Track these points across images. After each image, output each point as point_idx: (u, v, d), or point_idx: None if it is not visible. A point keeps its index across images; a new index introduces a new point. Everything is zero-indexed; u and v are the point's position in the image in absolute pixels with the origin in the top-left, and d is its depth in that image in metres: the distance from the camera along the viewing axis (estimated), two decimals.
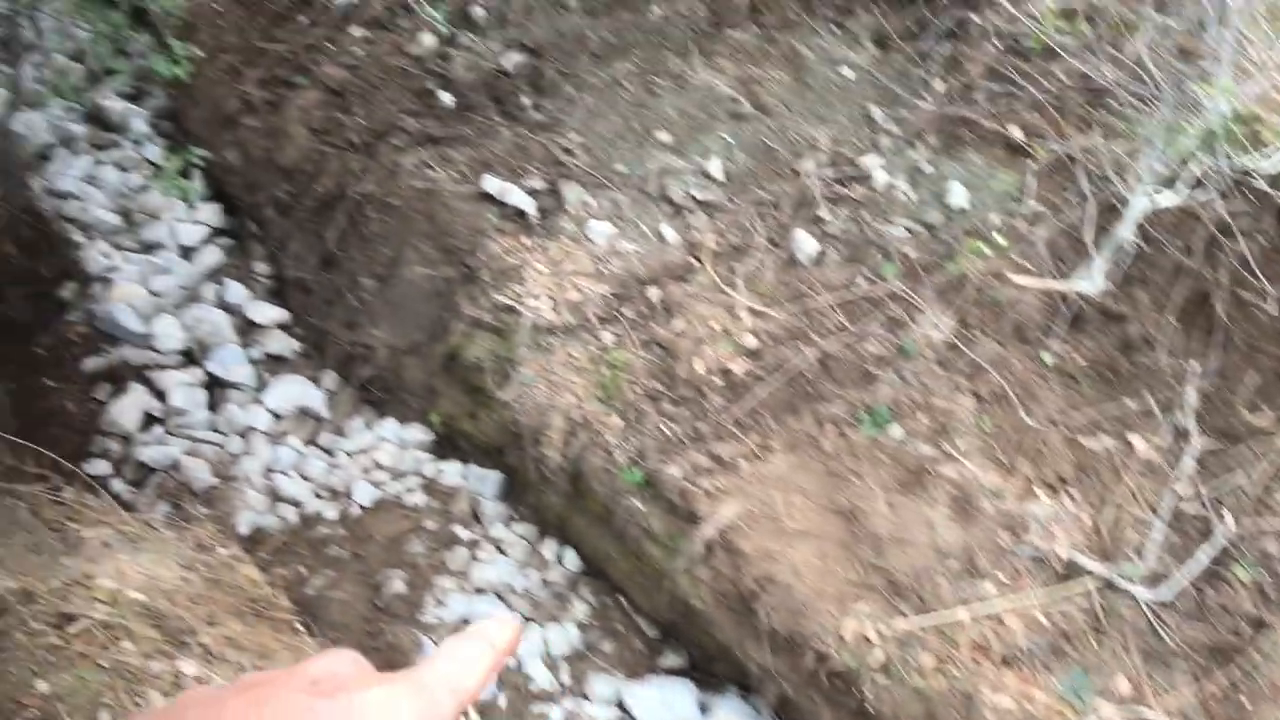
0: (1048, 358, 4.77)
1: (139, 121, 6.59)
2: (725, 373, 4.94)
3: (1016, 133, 5.13)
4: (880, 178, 5.32)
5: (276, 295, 6.17)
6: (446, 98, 6.01)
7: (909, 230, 5.18)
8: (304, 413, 5.74)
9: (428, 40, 6.15)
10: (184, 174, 5.53)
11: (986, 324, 4.86)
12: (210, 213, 6.31)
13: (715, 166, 5.54)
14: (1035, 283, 4.63)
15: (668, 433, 4.90)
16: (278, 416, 5.66)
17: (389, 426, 5.69)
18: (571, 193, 5.59)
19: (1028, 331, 4.83)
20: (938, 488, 4.56)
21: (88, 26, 3.97)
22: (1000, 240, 4.90)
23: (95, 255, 5.81)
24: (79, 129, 6.43)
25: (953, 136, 5.34)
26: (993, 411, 4.72)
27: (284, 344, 5.95)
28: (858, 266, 5.14)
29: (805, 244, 5.21)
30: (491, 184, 5.61)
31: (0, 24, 4.52)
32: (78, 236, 5.86)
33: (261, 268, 6.26)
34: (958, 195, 5.15)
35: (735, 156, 5.58)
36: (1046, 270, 4.81)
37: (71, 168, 6.17)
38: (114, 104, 6.59)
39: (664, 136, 5.67)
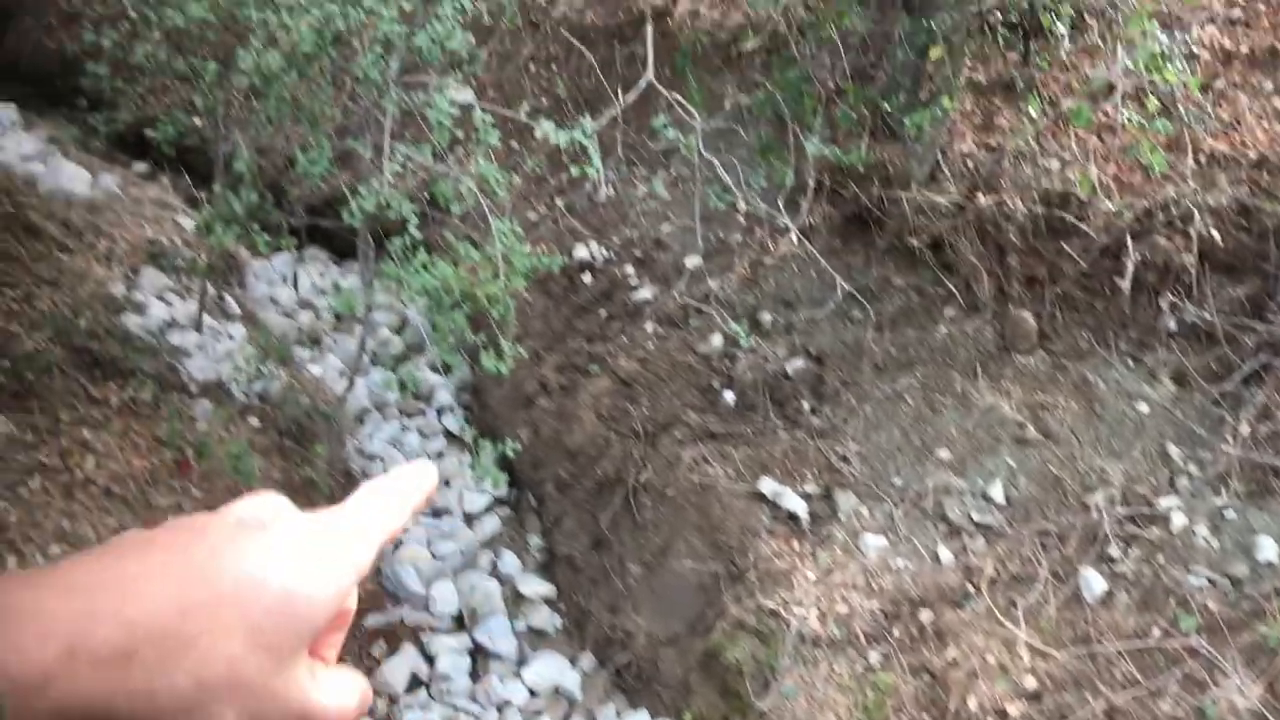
0: None
1: (444, 393, 7.17)
2: (1001, 714, 4.67)
3: None
4: (1178, 520, 5.06)
5: (546, 570, 6.38)
6: (729, 396, 6.24)
7: (1210, 581, 4.85)
8: (558, 692, 5.78)
9: (716, 340, 6.47)
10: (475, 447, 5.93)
11: None
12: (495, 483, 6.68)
13: (997, 490, 5.44)
14: None
15: None
16: (533, 693, 5.73)
17: (640, 719, 5.64)
18: (846, 502, 5.60)
19: None
20: None
21: (433, 323, 4.44)
22: None
23: None
24: (391, 395, 7.04)
25: (1261, 485, 5.05)
26: None
27: (547, 619, 6.09)
28: (1152, 614, 4.83)
29: (1093, 582, 4.96)
30: (767, 485, 5.71)
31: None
32: None
33: (535, 541, 6.52)
34: (1267, 549, 4.81)
35: (1018, 482, 5.47)
36: None
37: (381, 431, 6.73)
38: (424, 374, 7.21)
39: (944, 454, 5.65)
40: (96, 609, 0.53)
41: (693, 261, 6.91)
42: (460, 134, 4.81)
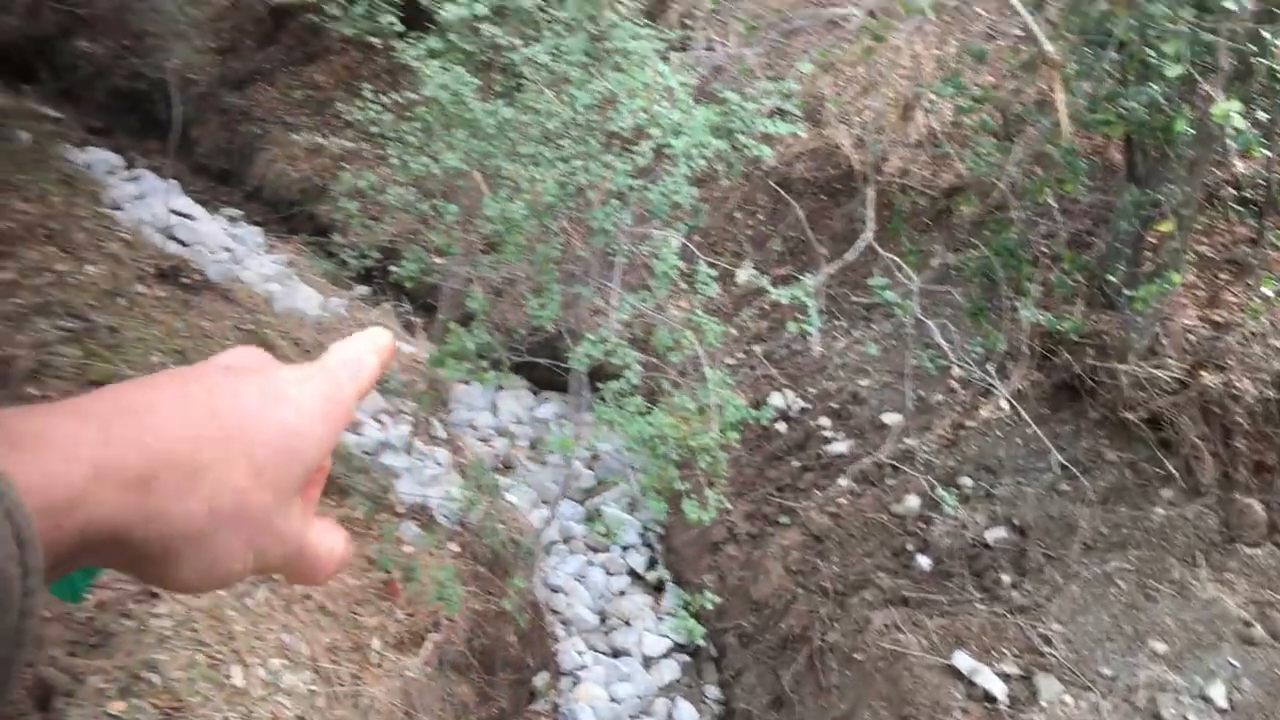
0: None
1: (630, 531, 7.18)
2: None
3: None
4: None
5: None
6: (924, 561, 6.05)
7: None
8: None
9: (912, 501, 6.31)
10: (658, 588, 5.89)
11: None
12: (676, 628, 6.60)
13: (1218, 692, 5.05)
14: None
15: None
16: None
17: None
18: (1048, 687, 5.29)
19: None
20: None
21: (640, 466, 4.49)
22: None
23: (570, 651, 6.22)
24: (578, 528, 7.11)
25: None
26: None
27: None
28: None
29: None
30: (962, 660, 5.45)
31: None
32: (559, 630, 6.32)
33: (713, 692, 6.38)
34: None
35: (1242, 685, 5.07)
36: None
37: (566, 564, 6.78)
38: (612, 510, 7.27)
39: (1159, 646, 5.29)
40: (117, 435, 0.55)
41: (891, 418, 6.81)
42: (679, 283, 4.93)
